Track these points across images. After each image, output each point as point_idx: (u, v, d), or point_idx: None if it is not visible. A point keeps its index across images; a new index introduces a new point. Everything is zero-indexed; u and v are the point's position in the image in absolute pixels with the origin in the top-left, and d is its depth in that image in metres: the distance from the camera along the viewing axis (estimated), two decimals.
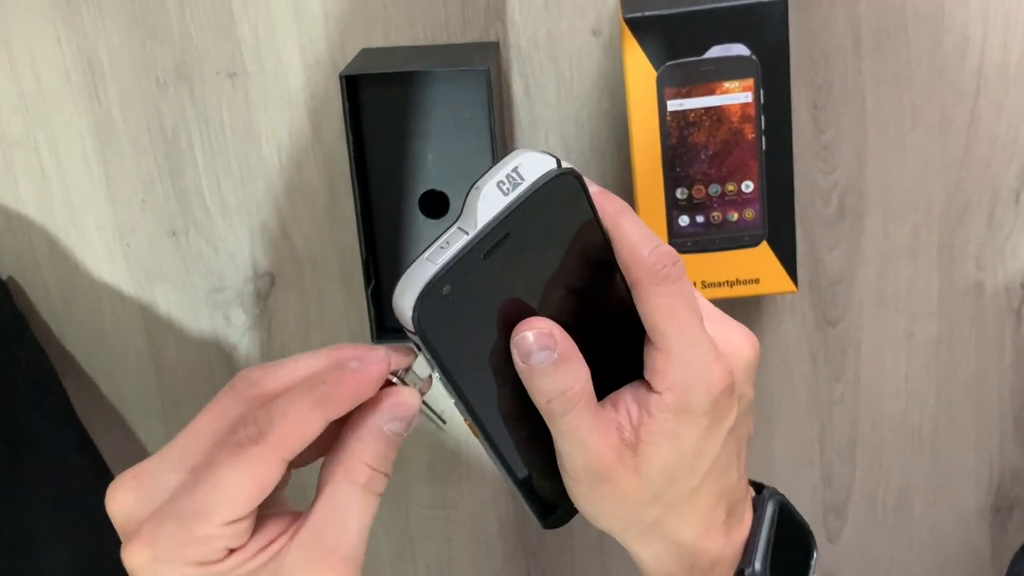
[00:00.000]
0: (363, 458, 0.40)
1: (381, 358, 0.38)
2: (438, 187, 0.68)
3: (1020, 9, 0.67)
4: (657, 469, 0.42)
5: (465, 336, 0.39)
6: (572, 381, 0.40)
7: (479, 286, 0.39)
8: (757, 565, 0.45)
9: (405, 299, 0.38)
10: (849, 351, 0.75)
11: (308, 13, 0.69)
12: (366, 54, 0.68)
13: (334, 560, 0.39)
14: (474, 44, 0.68)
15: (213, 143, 0.72)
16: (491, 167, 0.39)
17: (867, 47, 0.68)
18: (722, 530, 0.45)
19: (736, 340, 0.43)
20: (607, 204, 0.41)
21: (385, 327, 0.67)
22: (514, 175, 0.38)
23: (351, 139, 0.64)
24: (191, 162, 0.72)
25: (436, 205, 0.68)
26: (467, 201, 0.38)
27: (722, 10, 0.60)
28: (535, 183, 0.38)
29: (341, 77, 0.63)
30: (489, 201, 0.38)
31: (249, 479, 0.37)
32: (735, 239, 0.64)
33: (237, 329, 0.76)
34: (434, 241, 0.39)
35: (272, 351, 0.77)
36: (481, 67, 0.62)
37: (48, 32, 0.70)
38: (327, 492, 0.40)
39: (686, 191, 0.64)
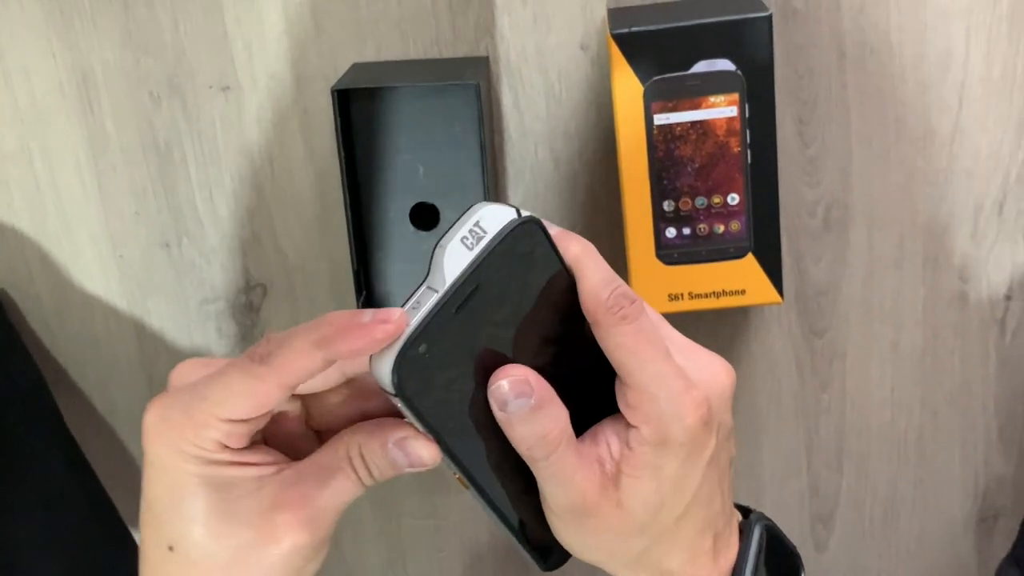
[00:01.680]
0: (362, 449, 0.41)
1: (394, 321, 0.38)
2: (429, 200, 0.68)
3: (1002, 23, 0.68)
4: (640, 501, 0.42)
5: (446, 392, 0.40)
6: (551, 425, 0.41)
7: (454, 341, 0.39)
8: None
9: (383, 362, 0.38)
10: (835, 361, 0.76)
11: (300, 28, 0.69)
12: (357, 68, 0.68)
13: (305, 505, 0.41)
14: (464, 59, 0.69)
15: (206, 156, 0.72)
16: (452, 225, 0.39)
17: (851, 62, 0.69)
18: (709, 557, 0.45)
19: (711, 369, 0.44)
20: (569, 246, 0.41)
21: None
22: (476, 229, 0.39)
23: (343, 152, 0.65)
24: (184, 175, 0.73)
25: (427, 217, 0.69)
26: (433, 260, 0.39)
27: (708, 26, 0.61)
28: (497, 235, 0.39)
29: (333, 91, 0.63)
30: (455, 258, 0.39)
31: (249, 391, 0.40)
32: (721, 251, 0.65)
33: (229, 340, 0.77)
34: (405, 302, 0.39)
35: None
36: (471, 81, 0.63)
37: (42, 46, 0.70)
38: (322, 450, 0.42)
39: (673, 203, 0.64)
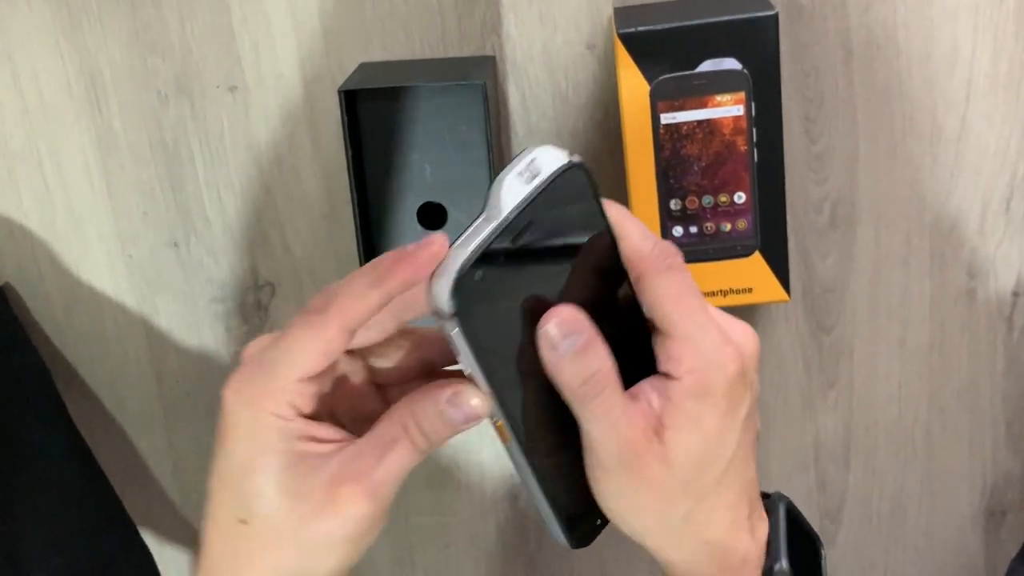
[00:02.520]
0: (415, 416, 0.42)
1: (436, 243, 0.40)
2: (436, 199, 0.69)
3: (1008, 20, 0.68)
4: (684, 455, 0.42)
5: (495, 326, 0.40)
6: (600, 363, 0.41)
7: (507, 274, 0.40)
8: (784, 562, 0.46)
9: (441, 283, 0.39)
10: (842, 358, 0.76)
11: (307, 28, 0.70)
12: (364, 68, 0.69)
13: (365, 477, 0.42)
14: (471, 58, 0.69)
15: (213, 155, 0.73)
16: (509, 162, 0.41)
17: (858, 59, 0.69)
18: (747, 527, 0.46)
19: (739, 331, 0.45)
20: (609, 207, 0.43)
21: None
22: (532, 167, 0.40)
23: (350, 152, 0.65)
24: (192, 174, 0.73)
25: (434, 217, 0.69)
26: (490, 194, 0.40)
27: (714, 25, 0.61)
28: (552, 173, 0.40)
29: (340, 92, 0.64)
30: (511, 191, 0.40)
31: (314, 341, 0.41)
32: (728, 249, 0.65)
33: (237, 338, 0.77)
34: (462, 232, 0.40)
35: None
36: (478, 81, 0.63)
37: (51, 46, 0.71)
38: (379, 424, 0.43)
39: (680, 202, 0.64)
